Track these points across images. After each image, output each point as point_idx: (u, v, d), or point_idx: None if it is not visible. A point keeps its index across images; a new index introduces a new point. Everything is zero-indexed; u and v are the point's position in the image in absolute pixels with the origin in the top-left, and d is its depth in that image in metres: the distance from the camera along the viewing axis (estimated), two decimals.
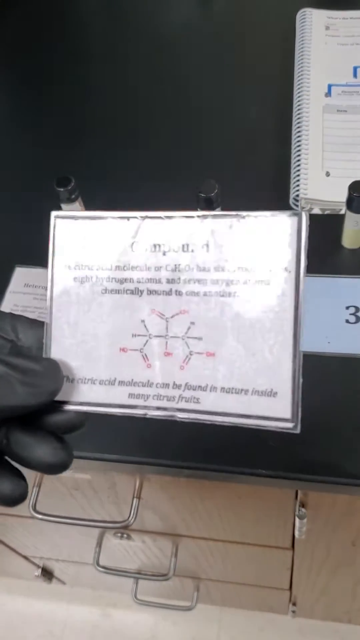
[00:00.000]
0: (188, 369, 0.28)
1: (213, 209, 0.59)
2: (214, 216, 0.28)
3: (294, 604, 1.13)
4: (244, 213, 0.28)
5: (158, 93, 0.77)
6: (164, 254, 0.29)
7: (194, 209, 0.59)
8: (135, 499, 0.68)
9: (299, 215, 0.27)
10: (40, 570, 1.23)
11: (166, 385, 0.28)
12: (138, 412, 0.29)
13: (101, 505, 0.75)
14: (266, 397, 0.28)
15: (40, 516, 0.70)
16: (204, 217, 0.28)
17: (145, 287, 0.29)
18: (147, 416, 0.28)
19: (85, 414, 0.29)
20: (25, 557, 1.16)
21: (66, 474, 0.66)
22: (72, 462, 0.29)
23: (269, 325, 0.28)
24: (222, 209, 0.60)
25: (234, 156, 0.70)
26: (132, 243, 0.29)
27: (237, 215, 0.28)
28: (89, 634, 1.39)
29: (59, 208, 0.62)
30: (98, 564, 0.96)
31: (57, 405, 0.29)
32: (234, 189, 0.65)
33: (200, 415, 0.28)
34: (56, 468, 0.28)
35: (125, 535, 0.88)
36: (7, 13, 0.88)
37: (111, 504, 0.74)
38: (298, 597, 1.08)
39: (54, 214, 0.30)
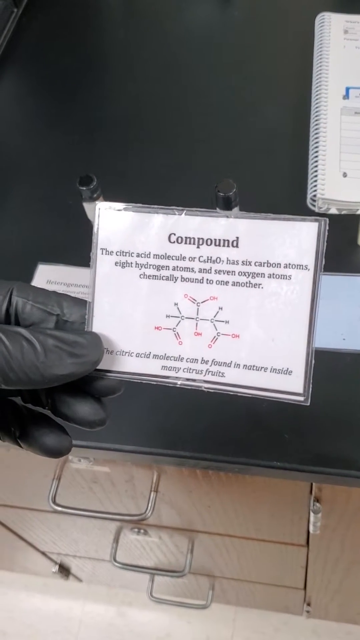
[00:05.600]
0: (215, 347, 0.31)
1: (231, 207, 0.60)
2: (246, 216, 0.31)
3: (309, 604, 1.13)
4: (272, 215, 0.31)
5: (177, 94, 0.79)
6: (198, 246, 0.32)
7: (213, 207, 0.60)
8: (152, 493, 0.69)
9: (320, 221, 0.30)
10: (57, 566, 1.25)
11: (195, 360, 0.32)
12: (169, 381, 0.32)
13: (119, 498, 0.76)
14: (283, 374, 0.31)
15: (59, 508, 0.72)
16: (237, 216, 0.31)
17: (179, 274, 0.32)
18: (178, 385, 0.32)
19: (122, 381, 0.32)
20: (43, 553, 1.18)
21: (85, 466, 0.67)
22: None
23: (288, 315, 0.31)
24: (240, 208, 0.61)
25: (252, 156, 0.71)
26: (170, 235, 0.32)
27: (266, 217, 0.31)
28: (104, 632, 1.40)
29: (82, 207, 0.64)
30: (115, 560, 0.97)
31: (98, 374, 0.32)
32: (251, 189, 0.66)
33: (224, 387, 0.31)
34: (96, 424, 0.32)
35: (142, 531, 0.89)
36: (32, 17, 0.91)
37: (129, 497, 0.75)
38: (312, 597, 1.08)
39: (98, 205, 0.33)
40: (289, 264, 0.30)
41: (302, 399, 0.31)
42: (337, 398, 0.54)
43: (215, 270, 0.31)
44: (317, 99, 0.73)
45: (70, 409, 0.32)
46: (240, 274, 0.31)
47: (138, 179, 0.71)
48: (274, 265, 0.31)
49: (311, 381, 0.30)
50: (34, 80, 0.85)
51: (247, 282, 0.31)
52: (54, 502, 0.72)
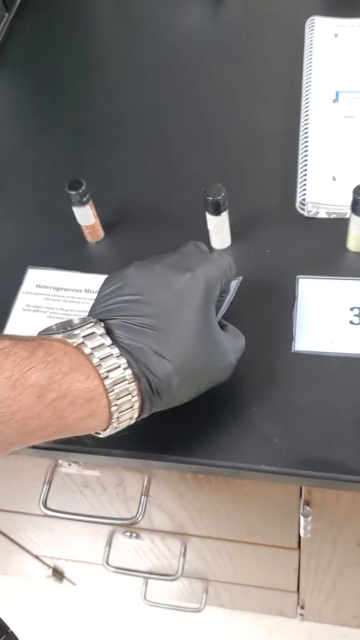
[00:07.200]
0: None
1: (220, 212, 0.60)
2: None
3: (302, 607, 1.13)
4: None
5: (168, 97, 0.79)
6: None
7: (202, 211, 0.60)
8: (143, 497, 0.69)
9: None
10: (51, 570, 1.25)
11: None
12: None
13: (110, 502, 0.76)
14: None
15: (50, 512, 0.72)
16: None
17: None
18: None
19: None
20: (37, 557, 1.18)
21: (76, 470, 0.67)
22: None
23: None
24: (230, 212, 0.61)
25: (242, 160, 0.71)
26: None
27: None
28: (98, 635, 1.40)
29: (71, 211, 0.64)
30: (108, 564, 0.97)
31: None
32: (241, 192, 0.66)
33: None
34: None
35: (134, 534, 0.89)
36: (24, 21, 0.91)
37: (120, 501, 0.75)
38: (306, 600, 1.08)
39: None
40: None
41: None
42: (325, 402, 0.54)
43: None
44: (307, 103, 0.73)
45: None
46: None
47: (128, 182, 0.71)
48: None
49: None
50: (25, 84, 0.85)
51: None
52: (45, 506, 0.71)
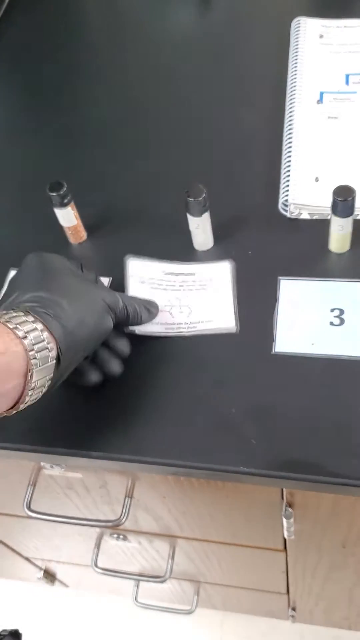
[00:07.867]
0: (189, 316, 0.59)
1: (201, 213, 0.60)
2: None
3: (294, 609, 1.13)
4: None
5: (153, 99, 0.79)
6: (177, 275, 0.62)
7: (183, 212, 0.60)
8: (127, 498, 0.69)
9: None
10: (42, 572, 1.24)
11: (180, 324, 0.59)
12: (169, 334, 0.59)
13: (95, 504, 0.76)
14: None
15: (34, 515, 0.71)
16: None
17: (169, 287, 0.61)
18: (171, 335, 0.59)
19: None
20: (27, 559, 1.17)
21: (58, 472, 0.67)
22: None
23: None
24: (212, 213, 0.61)
25: (226, 161, 0.71)
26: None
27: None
28: (91, 637, 1.40)
29: (53, 212, 0.64)
30: (96, 565, 0.97)
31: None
32: (225, 193, 0.66)
33: (195, 332, 0.58)
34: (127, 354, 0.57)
35: (121, 536, 0.89)
36: (11, 22, 0.91)
37: (104, 503, 0.75)
38: (297, 602, 1.08)
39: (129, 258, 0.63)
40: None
41: (234, 330, 0.58)
42: (305, 403, 0.54)
43: (185, 285, 0.61)
44: (291, 103, 0.73)
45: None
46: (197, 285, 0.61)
47: (112, 184, 0.71)
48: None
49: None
50: (11, 85, 0.85)
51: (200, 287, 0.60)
52: (29, 508, 0.71)
